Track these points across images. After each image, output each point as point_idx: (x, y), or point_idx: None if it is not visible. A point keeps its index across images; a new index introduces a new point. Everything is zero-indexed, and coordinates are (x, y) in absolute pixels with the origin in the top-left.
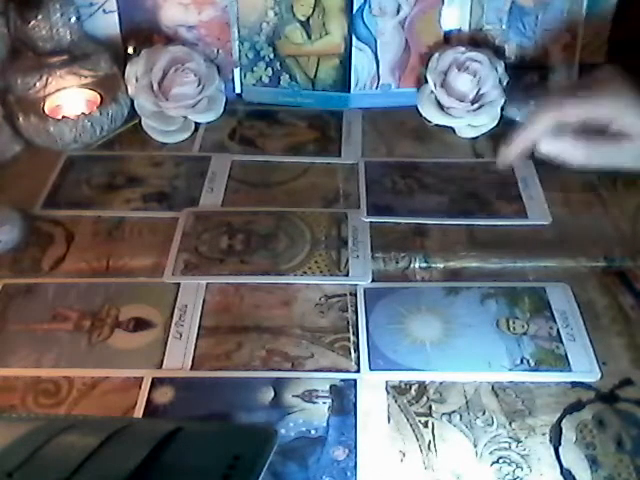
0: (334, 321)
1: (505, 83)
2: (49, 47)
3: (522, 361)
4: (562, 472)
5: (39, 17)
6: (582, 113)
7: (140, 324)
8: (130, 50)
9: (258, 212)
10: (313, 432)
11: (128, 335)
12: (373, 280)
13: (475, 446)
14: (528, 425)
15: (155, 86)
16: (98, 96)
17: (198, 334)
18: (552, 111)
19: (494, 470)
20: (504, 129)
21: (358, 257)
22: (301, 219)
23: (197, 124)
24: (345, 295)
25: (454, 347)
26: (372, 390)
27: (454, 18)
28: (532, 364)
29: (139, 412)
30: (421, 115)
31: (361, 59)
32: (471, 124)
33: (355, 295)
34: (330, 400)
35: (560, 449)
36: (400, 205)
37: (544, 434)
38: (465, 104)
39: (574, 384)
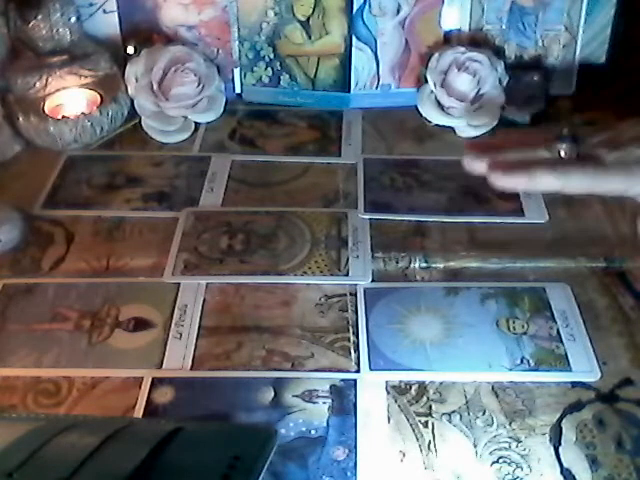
0: (334, 321)
1: (505, 83)
2: (49, 47)
3: (522, 361)
4: (562, 472)
5: (39, 17)
6: (588, 189)
7: (140, 324)
8: (130, 50)
9: (258, 212)
10: (313, 432)
11: (128, 335)
12: (373, 280)
13: (475, 446)
14: (528, 425)
15: (155, 86)
16: (98, 96)
17: (198, 334)
18: (553, 180)
19: (494, 470)
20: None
21: (358, 257)
22: (301, 219)
23: (197, 124)
24: (345, 295)
25: (454, 347)
26: (372, 390)
27: (454, 18)
28: (532, 364)
29: (139, 412)
30: (421, 115)
31: (361, 59)
32: (471, 124)
33: (355, 295)
34: (330, 400)
35: (560, 449)
36: (398, 202)
37: (544, 434)
38: (465, 104)
39: (574, 384)
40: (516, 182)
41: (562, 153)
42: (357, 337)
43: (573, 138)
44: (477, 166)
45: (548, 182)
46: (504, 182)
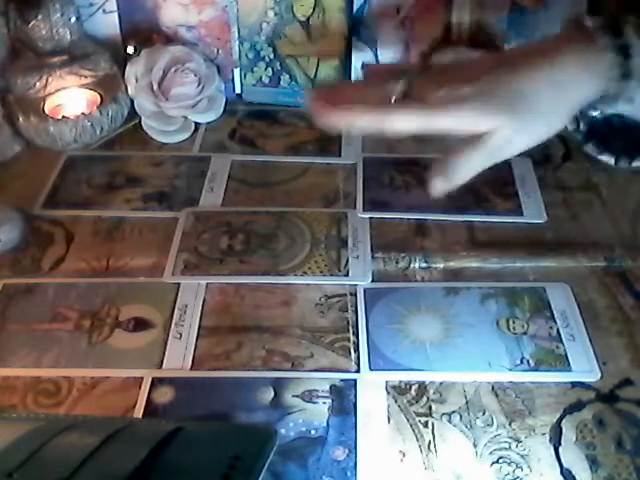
0: (334, 321)
1: None
2: (49, 47)
3: (522, 361)
4: (562, 472)
5: (39, 17)
6: (413, 129)
7: (140, 324)
8: (130, 50)
9: (258, 212)
10: (313, 432)
11: (128, 335)
12: (373, 280)
13: (475, 446)
14: (528, 425)
15: (155, 86)
16: (98, 96)
17: (198, 334)
18: (373, 119)
19: (494, 470)
20: None
21: (358, 257)
22: (301, 219)
23: (197, 124)
24: (345, 295)
25: (454, 347)
26: (372, 390)
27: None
28: (532, 364)
29: (139, 412)
30: None
31: (361, 59)
32: None
33: (355, 295)
34: (330, 400)
35: (560, 449)
36: (397, 201)
37: (544, 434)
38: None
39: (574, 384)
40: (339, 119)
41: (392, 96)
42: (357, 337)
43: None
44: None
45: (368, 121)
46: (328, 118)
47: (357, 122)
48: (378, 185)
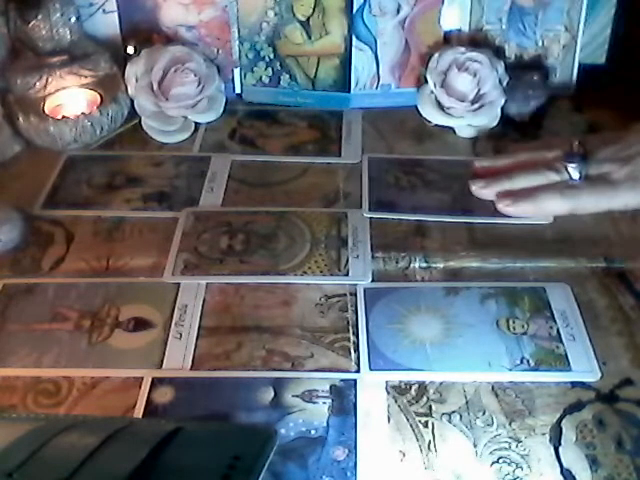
0: (334, 321)
1: (505, 83)
2: (49, 47)
3: (522, 361)
4: (562, 472)
5: (39, 17)
6: (599, 208)
7: (140, 324)
8: (130, 50)
9: (258, 212)
10: (313, 432)
11: (128, 335)
12: (373, 280)
13: (475, 446)
14: (528, 425)
15: (155, 86)
16: (98, 96)
17: (198, 334)
18: (561, 204)
19: (494, 470)
20: (504, 129)
21: (358, 257)
22: (301, 219)
23: (197, 124)
24: (345, 295)
25: (454, 347)
26: (372, 390)
27: (454, 18)
28: (532, 364)
29: (139, 412)
30: (421, 115)
31: (361, 59)
32: (471, 124)
33: (355, 295)
34: (330, 400)
35: (560, 449)
36: (403, 201)
37: (544, 434)
38: (465, 104)
39: (574, 384)
40: (524, 209)
41: (571, 174)
42: (357, 337)
43: (581, 157)
44: (485, 193)
45: (556, 207)
46: (512, 210)
47: (542, 208)
48: (383, 185)
